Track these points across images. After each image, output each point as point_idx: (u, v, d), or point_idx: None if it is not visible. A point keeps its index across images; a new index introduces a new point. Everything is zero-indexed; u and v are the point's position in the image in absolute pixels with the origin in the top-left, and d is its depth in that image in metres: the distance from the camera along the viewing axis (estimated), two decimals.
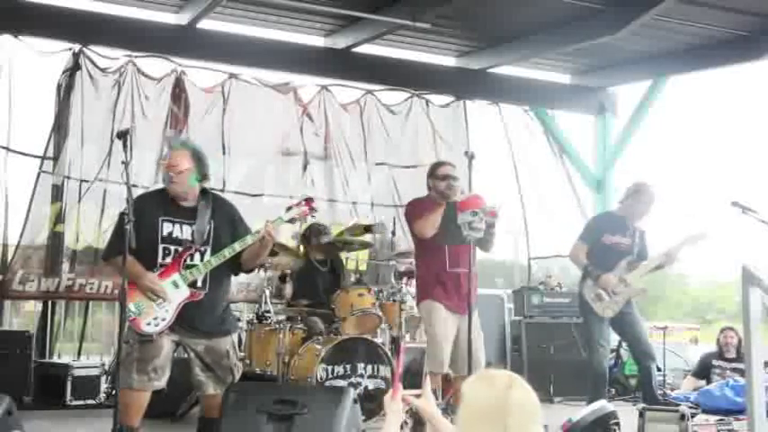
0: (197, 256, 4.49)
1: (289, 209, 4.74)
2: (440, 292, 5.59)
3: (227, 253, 4.46)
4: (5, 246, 7.41)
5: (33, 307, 8.31)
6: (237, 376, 4.64)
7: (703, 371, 8.05)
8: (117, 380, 4.37)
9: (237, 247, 4.48)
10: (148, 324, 4.39)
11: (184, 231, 4.49)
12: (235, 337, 4.75)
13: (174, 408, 6.38)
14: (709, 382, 7.58)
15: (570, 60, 9.44)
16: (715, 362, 8.00)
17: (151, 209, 4.50)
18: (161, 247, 4.45)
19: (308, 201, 4.76)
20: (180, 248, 4.46)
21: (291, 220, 4.75)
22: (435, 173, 5.69)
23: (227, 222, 4.62)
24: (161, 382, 4.47)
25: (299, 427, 4.37)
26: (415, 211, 5.71)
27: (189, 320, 4.47)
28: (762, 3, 7.67)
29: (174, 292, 4.41)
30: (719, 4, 7.67)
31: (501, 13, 8.09)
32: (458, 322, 5.53)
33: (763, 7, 7.78)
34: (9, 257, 7.37)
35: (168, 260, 4.45)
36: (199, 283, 4.48)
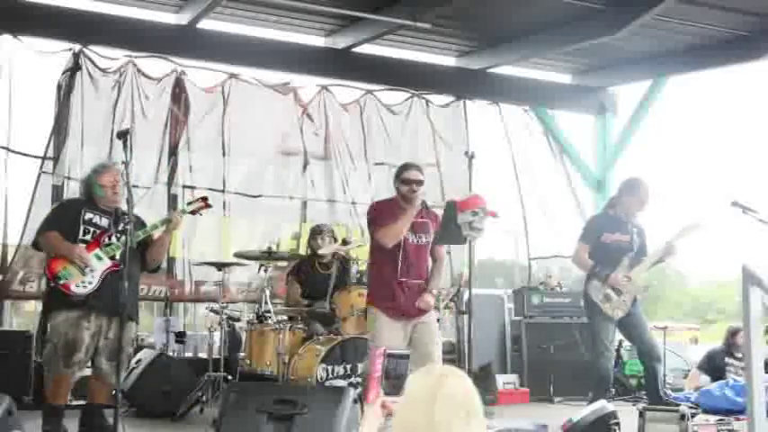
0: (114, 239, 5.24)
1: (189, 203, 5.79)
2: (385, 301, 5.38)
3: (141, 234, 5.27)
4: (5, 246, 7.43)
5: (33, 307, 8.32)
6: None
7: (713, 368, 8.06)
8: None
9: (149, 229, 5.35)
10: (77, 286, 5.11)
11: (103, 221, 5.29)
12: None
13: (174, 408, 6.38)
14: (720, 378, 7.61)
15: (570, 60, 9.45)
16: (727, 359, 8.02)
17: (77, 203, 5.41)
18: (82, 227, 5.23)
19: (204, 198, 5.74)
20: (98, 231, 5.24)
21: (192, 212, 5.66)
22: (400, 176, 5.46)
23: (135, 218, 5.33)
24: (82, 372, 5.52)
25: (299, 427, 4.38)
26: (377, 216, 5.48)
27: (112, 294, 4.93)
28: (762, 3, 7.68)
29: (98, 263, 5.17)
30: (719, 4, 7.67)
31: (501, 13, 8.10)
32: (408, 328, 5.37)
33: (763, 7, 7.79)
34: (9, 258, 7.38)
35: (88, 237, 5.21)
36: (117, 257, 5.19)
